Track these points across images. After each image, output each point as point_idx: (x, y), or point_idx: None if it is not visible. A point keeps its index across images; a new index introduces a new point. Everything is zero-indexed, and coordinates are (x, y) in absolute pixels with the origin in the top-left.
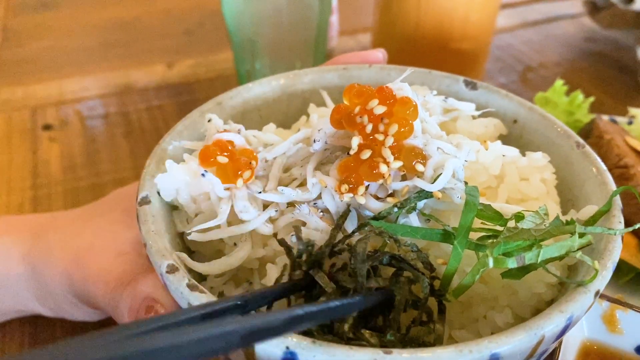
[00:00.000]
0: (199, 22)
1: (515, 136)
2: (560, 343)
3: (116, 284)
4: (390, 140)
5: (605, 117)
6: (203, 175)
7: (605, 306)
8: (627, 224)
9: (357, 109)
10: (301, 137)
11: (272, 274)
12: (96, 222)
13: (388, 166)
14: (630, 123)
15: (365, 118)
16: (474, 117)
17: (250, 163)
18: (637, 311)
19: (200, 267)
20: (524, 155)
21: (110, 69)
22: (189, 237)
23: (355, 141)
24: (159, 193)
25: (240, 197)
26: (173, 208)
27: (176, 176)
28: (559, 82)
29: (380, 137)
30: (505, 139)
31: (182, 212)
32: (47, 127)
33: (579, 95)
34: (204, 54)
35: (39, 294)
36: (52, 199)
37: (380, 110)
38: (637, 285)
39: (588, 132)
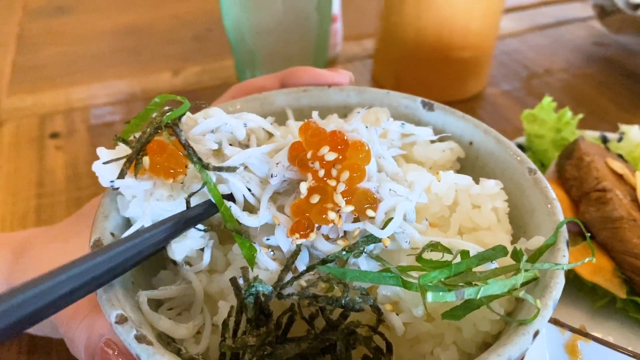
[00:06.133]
0: (208, 28)
1: (472, 158)
2: None
3: (74, 313)
4: (341, 187)
5: (596, 134)
6: (113, 187)
7: (568, 336)
8: (604, 248)
9: (309, 154)
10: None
11: (223, 312)
12: (71, 243)
13: (337, 212)
14: (620, 140)
15: (317, 164)
16: (431, 141)
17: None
18: (599, 342)
19: (162, 326)
20: (478, 180)
21: (118, 76)
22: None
23: (304, 186)
24: (112, 234)
25: (159, 185)
26: None
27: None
28: (546, 99)
29: (332, 182)
30: (462, 161)
31: None
32: (54, 136)
33: (567, 113)
34: (210, 60)
35: None
36: (55, 209)
37: (331, 157)
38: (612, 309)
39: (570, 153)
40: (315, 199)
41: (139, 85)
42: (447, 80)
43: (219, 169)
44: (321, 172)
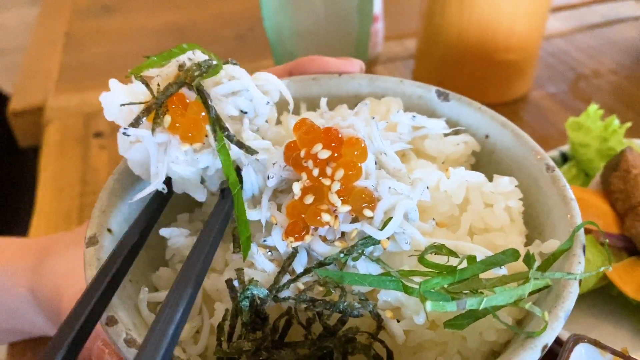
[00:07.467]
0: (250, 28)
1: (487, 152)
2: None
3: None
4: (336, 186)
5: None
6: (124, 133)
7: (609, 359)
8: None
9: (302, 153)
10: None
11: (219, 315)
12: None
13: (332, 214)
14: None
15: (310, 162)
16: (445, 134)
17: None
18: None
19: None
20: (491, 176)
21: None
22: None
23: (297, 187)
24: (109, 231)
25: (174, 145)
26: None
27: (120, 98)
28: (593, 107)
29: (327, 181)
30: (477, 155)
31: None
32: (98, 135)
33: (615, 121)
34: (251, 60)
35: (45, 319)
36: None
37: (324, 155)
38: None
39: (616, 164)
40: (309, 199)
41: None
42: (491, 82)
43: (242, 145)
44: (315, 171)
